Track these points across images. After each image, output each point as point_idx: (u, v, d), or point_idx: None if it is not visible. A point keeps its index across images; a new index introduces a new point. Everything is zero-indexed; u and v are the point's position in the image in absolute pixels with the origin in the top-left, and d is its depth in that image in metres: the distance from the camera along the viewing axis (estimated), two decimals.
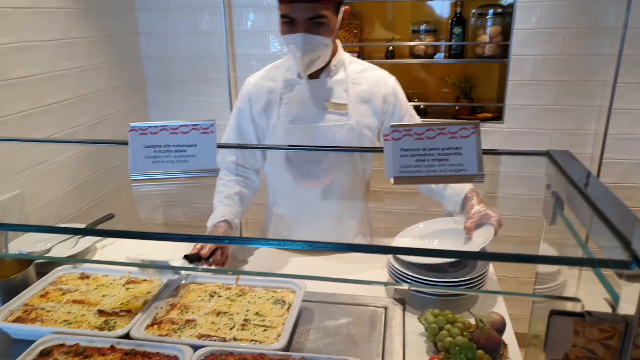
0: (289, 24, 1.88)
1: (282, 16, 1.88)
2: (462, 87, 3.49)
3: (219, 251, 1.91)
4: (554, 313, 0.71)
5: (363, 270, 2.00)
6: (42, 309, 1.69)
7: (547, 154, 1.22)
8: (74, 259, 2.09)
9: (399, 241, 1.98)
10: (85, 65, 2.95)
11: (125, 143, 1.24)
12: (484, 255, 1.45)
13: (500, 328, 1.52)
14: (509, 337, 1.54)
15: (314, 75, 2.04)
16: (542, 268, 1.30)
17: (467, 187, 1.96)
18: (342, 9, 1.93)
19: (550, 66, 3.17)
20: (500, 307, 1.73)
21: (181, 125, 1.19)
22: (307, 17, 1.84)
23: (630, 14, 2.92)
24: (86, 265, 1.97)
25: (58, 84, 2.71)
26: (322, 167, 2.13)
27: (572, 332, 0.70)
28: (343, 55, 2.10)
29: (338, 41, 2.08)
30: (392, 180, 1.09)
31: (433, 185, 2.08)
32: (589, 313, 0.71)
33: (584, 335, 0.70)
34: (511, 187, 3.39)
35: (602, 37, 3.07)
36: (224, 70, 3.54)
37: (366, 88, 2.07)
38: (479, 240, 1.78)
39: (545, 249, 1.25)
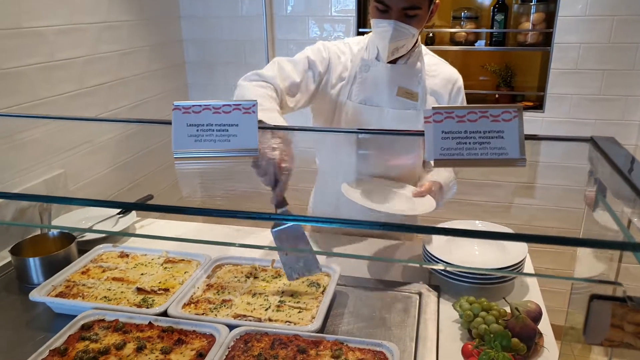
0: (382, 10, 1.86)
1: (377, 1, 1.86)
2: (502, 75, 3.45)
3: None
4: (594, 297, 0.70)
5: (399, 255, 1.99)
6: (83, 285, 1.74)
7: (590, 140, 1.20)
8: (124, 233, 2.15)
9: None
10: (127, 48, 2.99)
11: (167, 123, 1.25)
12: (523, 237, 1.43)
13: (536, 317, 1.50)
14: (544, 326, 1.53)
15: (392, 60, 2.02)
16: (582, 256, 1.28)
17: (440, 176, 2.03)
18: (435, 1, 1.92)
19: (595, 54, 3.10)
20: (536, 297, 1.71)
21: (224, 105, 1.20)
22: (402, 6, 1.82)
23: None
24: (125, 244, 2.01)
25: (101, 66, 2.75)
26: (382, 150, 2.12)
27: (613, 316, 0.69)
28: (421, 46, 2.08)
29: None
30: (432, 162, 1.09)
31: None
32: (631, 298, 0.70)
33: (624, 320, 0.69)
34: (551, 177, 3.33)
35: None
36: (263, 54, 3.55)
37: (438, 81, 2.07)
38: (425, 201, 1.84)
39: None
